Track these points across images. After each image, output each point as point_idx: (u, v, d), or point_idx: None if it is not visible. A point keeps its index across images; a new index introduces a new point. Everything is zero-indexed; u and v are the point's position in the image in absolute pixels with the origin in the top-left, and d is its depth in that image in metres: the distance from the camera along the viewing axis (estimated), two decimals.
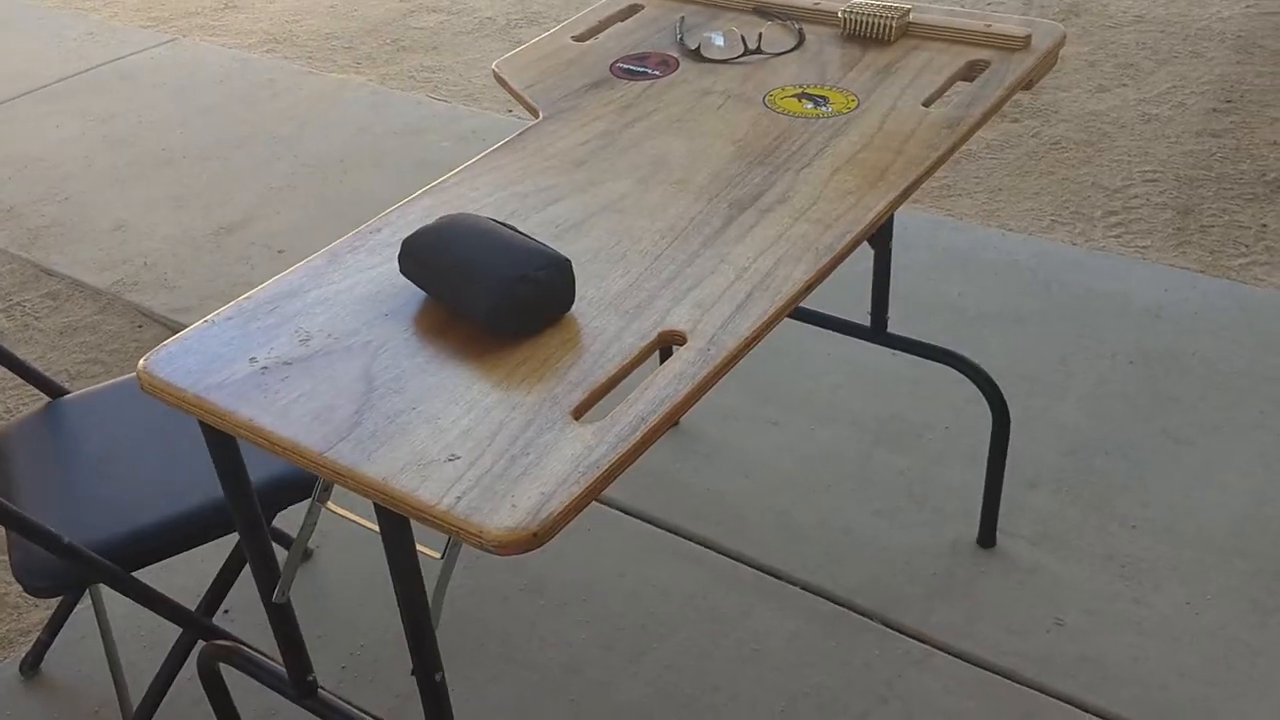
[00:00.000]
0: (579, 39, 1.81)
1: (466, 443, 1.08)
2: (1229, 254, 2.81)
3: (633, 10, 1.88)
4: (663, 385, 1.13)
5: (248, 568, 1.87)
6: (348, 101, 4.04)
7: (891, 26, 1.67)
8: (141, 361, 1.21)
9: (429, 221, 1.37)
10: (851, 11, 1.70)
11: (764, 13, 1.80)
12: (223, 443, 1.28)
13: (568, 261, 1.21)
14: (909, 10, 1.69)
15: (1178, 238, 2.88)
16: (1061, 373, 2.47)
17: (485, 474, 1.04)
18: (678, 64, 1.70)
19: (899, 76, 1.61)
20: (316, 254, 1.37)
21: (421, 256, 1.25)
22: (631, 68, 1.70)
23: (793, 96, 1.59)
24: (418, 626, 1.24)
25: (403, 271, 1.27)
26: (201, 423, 1.22)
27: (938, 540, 2.10)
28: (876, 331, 2.00)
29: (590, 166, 1.49)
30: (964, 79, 1.62)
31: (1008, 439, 1.98)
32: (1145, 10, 3.94)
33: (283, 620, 1.41)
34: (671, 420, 1.11)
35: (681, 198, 1.41)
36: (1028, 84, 1.61)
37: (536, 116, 1.61)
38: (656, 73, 1.68)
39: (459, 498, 1.02)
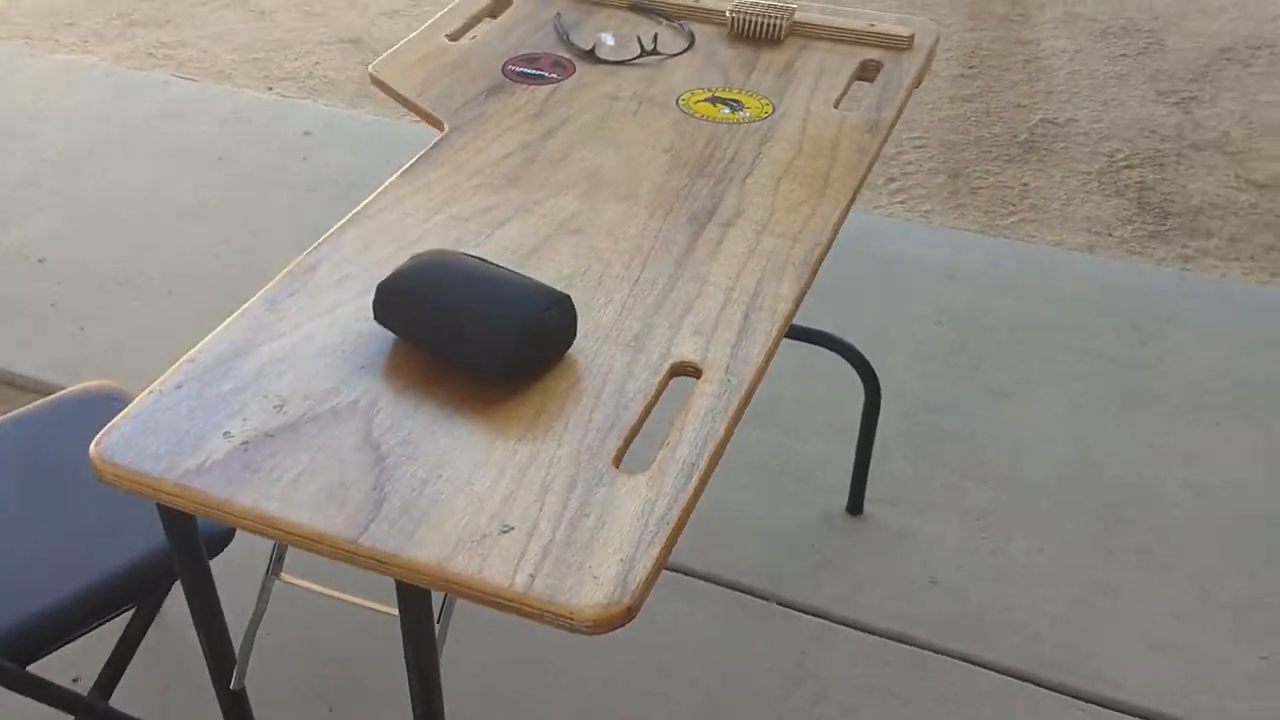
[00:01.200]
0: (453, 38, 1.67)
1: (514, 510, 0.97)
2: (1000, 213, 2.97)
3: (501, 5, 1.75)
4: (698, 425, 1.05)
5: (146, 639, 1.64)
6: (82, 85, 3.61)
7: (781, 27, 1.63)
8: (93, 448, 1.02)
9: (362, 249, 1.22)
10: (739, 12, 1.64)
11: (642, 9, 1.72)
12: (181, 527, 1.10)
13: (568, 298, 1.11)
14: (794, 10, 1.65)
15: (953, 200, 3.02)
16: (884, 339, 2.54)
17: (550, 544, 0.94)
18: (573, 66, 1.59)
19: (801, 78, 1.57)
20: (251, 301, 1.19)
21: (403, 303, 1.11)
22: (526, 70, 1.58)
23: (705, 101, 1.52)
24: (429, 707, 1.11)
25: (379, 319, 1.13)
26: (160, 506, 1.04)
27: (810, 513, 2.12)
28: None
29: (524, 183, 1.37)
30: (860, 78, 1.60)
31: (878, 410, 2.02)
32: None
33: (238, 709, 1.24)
34: (718, 459, 1.04)
35: (636, 214, 1.32)
36: (917, 81, 1.61)
37: (441, 128, 1.47)
38: (554, 76, 1.57)
39: (532, 576, 0.91)
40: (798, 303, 1.20)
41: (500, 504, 0.97)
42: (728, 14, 1.65)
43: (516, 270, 1.21)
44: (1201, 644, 1.89)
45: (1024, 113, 3.37)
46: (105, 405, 1.57)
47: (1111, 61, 3.60)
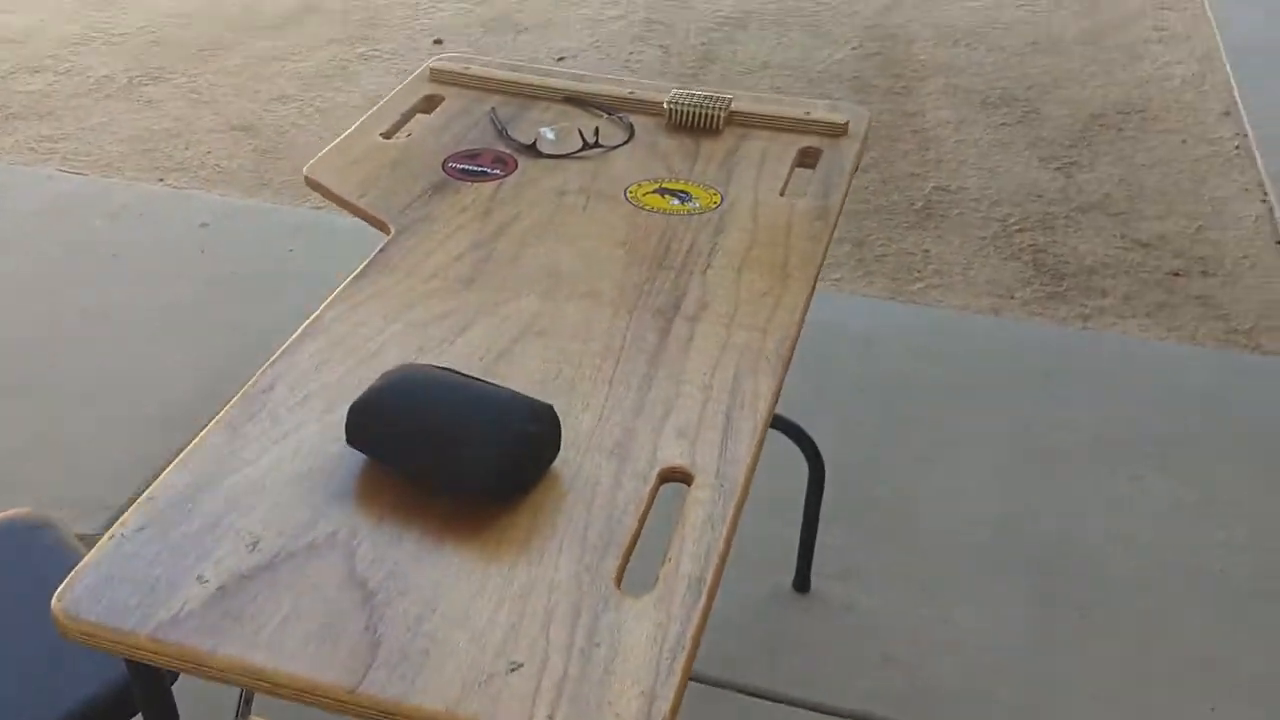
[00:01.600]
0: (386, 135, 1.61)
1: (519, 644, 0.91)
2: (906, 279, 3.01)
3: (432, 101, 1.70)
4: (698, 536, 1.00)
5: None
6: None
7: (719, 117, 1.61)
8: (56, 603, 0.92)
9: (320, 365, 1.15)
10: (676, 103, 1.62)
11: (577, 102, 1.69)
12: (154, 684, 1.00)
13: (550, 408, 1.06)
14: (731, 99, 1.64)
15: (861, 268, 3.05)
16: (810, 409, 2.53)
17: (562, 679, 0.88)
18: (515, 161, 1.55)
19: (744, 167, 1.55)
20: (207, 428, 1.11)
21: (379, 425, 1.04)
22: (468, 167, 1.53)
23: (653, 192, 1.49)
24: None
25: (352, 442, 1.06)
26: (129, 662, 0.95)
27: (759, 592, 2.08)
28: None
29: (481, 284, 1.32)
30: (800, 165, 1.59)
31: (823, 487, 2.00)
32: (769, 56, 4.16)
33: None
34: (722, 571, 0.99)
35: (600, 312, 1.27)
36: (855, 166, 1.61)
37: (386, 231, 1.41)
38: (497, 172, 1.52)
39: (550, 718, 0.85)
40: (776, 398, 1.16)
41: (503, 638, 0.91)
42: (665, 105, 1.63)
43: (485, 379, 1.15)
44: (1151, 698, 1.90)
45: (918, 181, 3.43)
46: (30, 536, 1.45)
47: (994, 130, 3.71)
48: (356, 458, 1.07)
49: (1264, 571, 2.15)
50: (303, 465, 1.06)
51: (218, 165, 3.50)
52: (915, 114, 3.79)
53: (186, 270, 2.94)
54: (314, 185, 1.49)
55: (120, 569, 0.95)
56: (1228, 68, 4.08)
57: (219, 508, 1.01)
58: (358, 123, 1.63)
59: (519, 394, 1.06)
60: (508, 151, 1.57)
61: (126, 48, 4.24)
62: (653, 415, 1.13)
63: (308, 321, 1.25)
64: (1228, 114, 3.82)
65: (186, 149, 3.60)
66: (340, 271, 3.00)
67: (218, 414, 1.12)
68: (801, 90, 3.93)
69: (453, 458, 1.01)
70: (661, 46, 4.18)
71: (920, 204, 3.32)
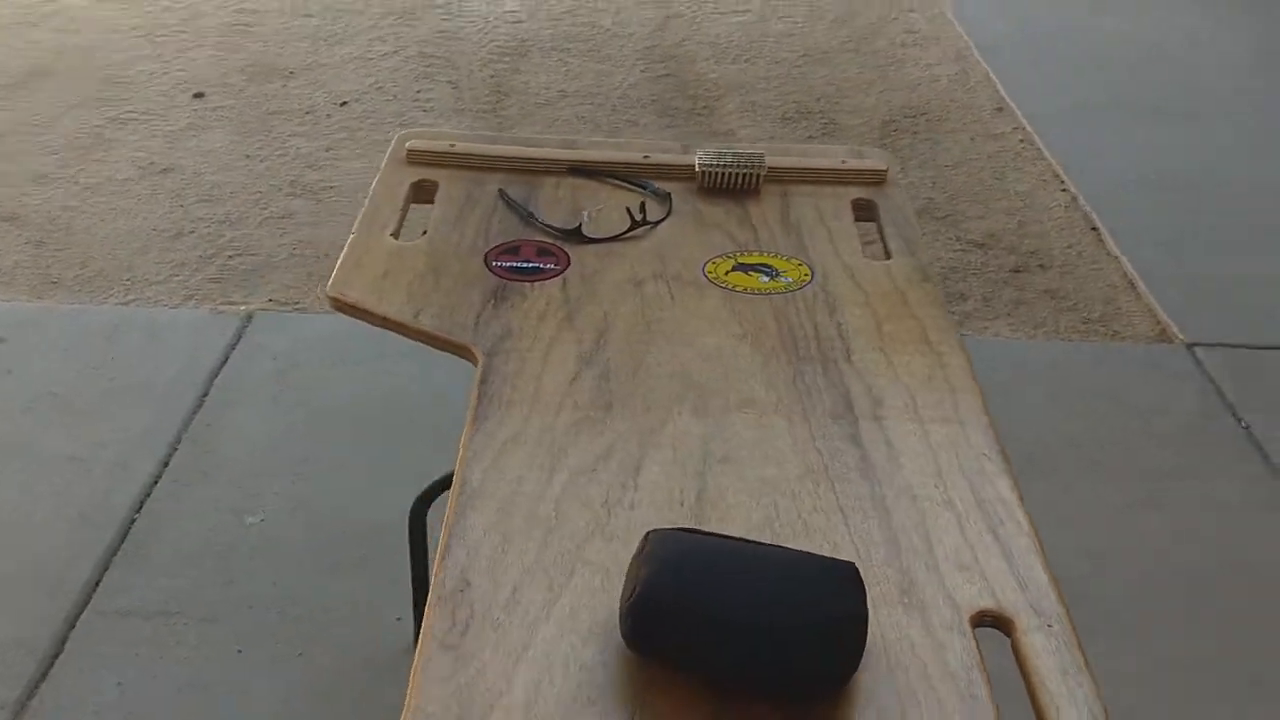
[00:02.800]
0: (395, 235, 1.35)
1: None
2: None
3: (424, 189, 1.45)
4: (1068, 694, 0.86)
5: None
6: None
7: (758, 178, 1.46)
8: None
9: (504, 544, 0.93)
10: (711, 166, 1.46)
11: (584, 173, 1.49)
12: None
13: (853, 567, 0.88)
14: (764, 156, 1.49)
15: None
16: None
17: None
18: (563, 251, 1.34)
19: (809, 231, 1.41)
20: (419, 653, 0.86)
21: (671, 623, 0.83)
22: (516, 265, 1.30)
23: (734, 270, 1.33)
24: None
25: (638, 647, 0.84)
26: None
27: None
28: None
29: (620, 408, 1.11)
30: (858, 219, 1.47)
31: None
32: (562, 84, 4.00)
33: None
34: None
35: (771, 425, 1.10)
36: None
37: (468, 356, 1.17)
38: (550, 266, 1.31)
39: None
40: (1022, 500, 1.04)
41: None
42: (697, 169, 1.47)
43: (721, 533, 0.96)
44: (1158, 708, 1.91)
45: None
46: None
47: (796, 143, 3.73)
48: (628, 661, 0.86)
49: None
50: (570, 683, 0.84)
51: None
52: (726, 133, 3.76)
53: None
54: (347, 308, 1.22)
55: None
56: (985, 65, 4.31)
57: None
58: (356, 224, 1.36)
59: (811, 554, 0.88)
60: (548, 241, 1.36)
61: None
62: (914, 546, 0.98)
63: (456, 489, 1.00)
64: (1000, 110, 4.02)
65: None
66: (171, 373, 2.58)
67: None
68: (607, 117, 3.82)
69: (773, 649, 0.82)
70: (449, 83, 3.95)
71: None
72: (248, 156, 3.39)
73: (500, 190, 1.44)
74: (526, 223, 1.39)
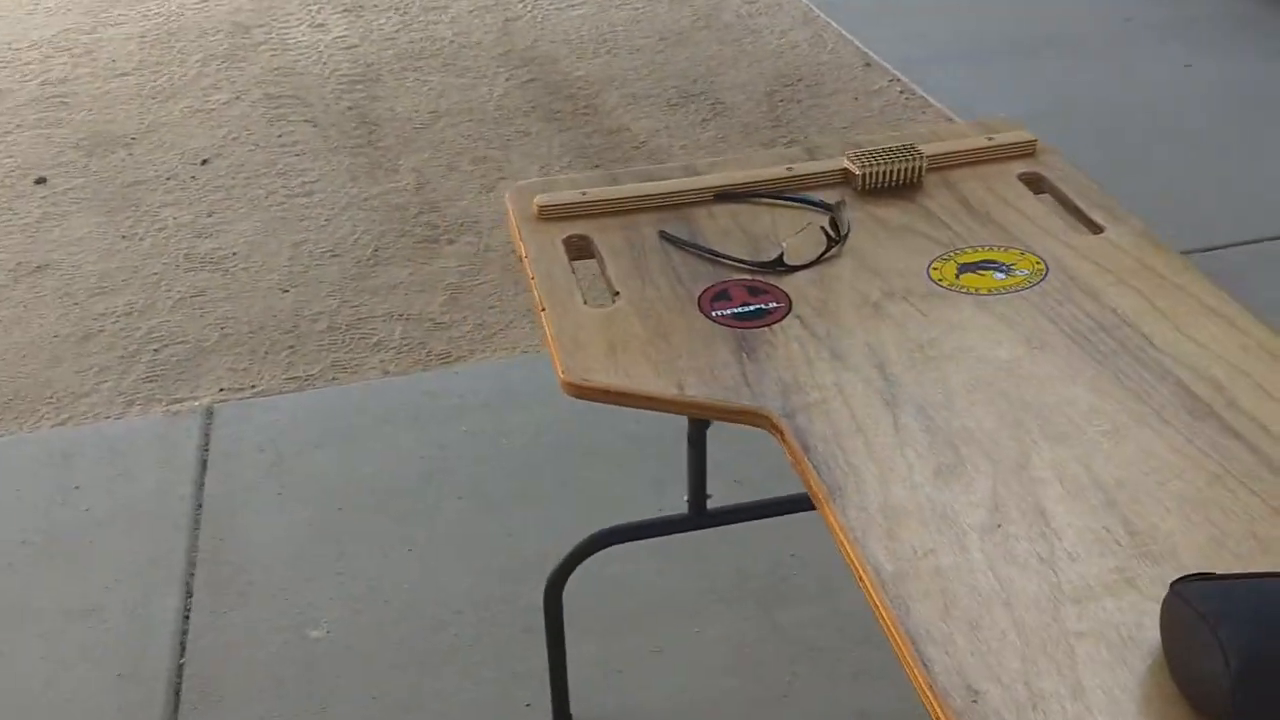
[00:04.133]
0: (585, 301, 1.16)
1: None
2: None
3: (578, 245, 1.26)
4: None
5: None
6: None
7: (920, 170, 1.34)
8: None
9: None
10: (870, 166, 1.33)
11: (729, 197, 1.33)
12: None
13: None
14: (914, 144, 1.37)
15: None
16: None
17: None
18: (774, 287, 1.18)
19: (1002, 215, 1.30)
20: None
21: None
22: (738, 311, 1.14)
23: (963, 272, 1.20)
24: None
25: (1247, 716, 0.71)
26: None
27: None
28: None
29: (967, 447, 0.97)
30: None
31: None
32: (432, 104, 3.74)
33: None
34: None
35: (1139, 435, 0.98)
36: None
37: (764, 423, 1.00)
38: (773, 305, 1.15)
39: None
40: None
41: None
42: (856, 171, 1.33)
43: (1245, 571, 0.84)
44: None
45: None
46: None
47: (698, 128, 3.63)
48: None
49: None
50: None
51: None
52: (621, 130, 3.62)
53: None
54: (595, 394, 1.03)
55: None
56: (834, 25, 4.32)
57: None
58: (541, 301, 1.16)
59: None
60: (749, 278, 1.20)
61: None
62: None
63: (866, 579, 0.84)
64: (869, 65, 4.03)
65: None
66: (150, 490, 2.15)
67: None
68: (496, 132, 3.61)
69: None
70: (308, 121, 3.65)
71: None
72: (124, 237, 3.02)
73: (662, 232, 1.27)
74: (715, 262, 1.22)
